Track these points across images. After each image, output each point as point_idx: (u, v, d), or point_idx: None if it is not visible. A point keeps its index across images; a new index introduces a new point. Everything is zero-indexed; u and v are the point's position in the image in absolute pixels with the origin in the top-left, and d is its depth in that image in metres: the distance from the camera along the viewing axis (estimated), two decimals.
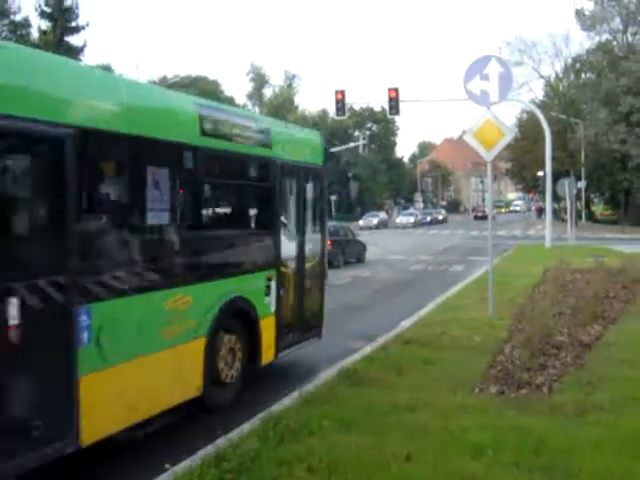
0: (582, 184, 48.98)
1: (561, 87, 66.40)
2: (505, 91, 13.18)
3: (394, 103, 34.58)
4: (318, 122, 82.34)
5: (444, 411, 6.93)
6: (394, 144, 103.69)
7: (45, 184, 5.58)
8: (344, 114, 37.09)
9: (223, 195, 8.75)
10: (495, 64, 13.19)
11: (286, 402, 7.57)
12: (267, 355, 8.78)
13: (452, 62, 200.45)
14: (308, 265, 9.93)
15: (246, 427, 6.79)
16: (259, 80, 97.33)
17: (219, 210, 8.59)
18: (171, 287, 6.87)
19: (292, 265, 9.41)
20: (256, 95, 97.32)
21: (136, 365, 6.31)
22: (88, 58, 49.60)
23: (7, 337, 4.92)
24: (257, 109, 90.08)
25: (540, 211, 73.57)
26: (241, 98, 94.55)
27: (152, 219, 6.70)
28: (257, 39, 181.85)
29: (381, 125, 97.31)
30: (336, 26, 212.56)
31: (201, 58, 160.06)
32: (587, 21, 58.30)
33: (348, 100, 36.22)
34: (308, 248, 9.88)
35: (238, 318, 8.22)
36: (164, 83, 63.72)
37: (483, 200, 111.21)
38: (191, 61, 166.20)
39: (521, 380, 8.02)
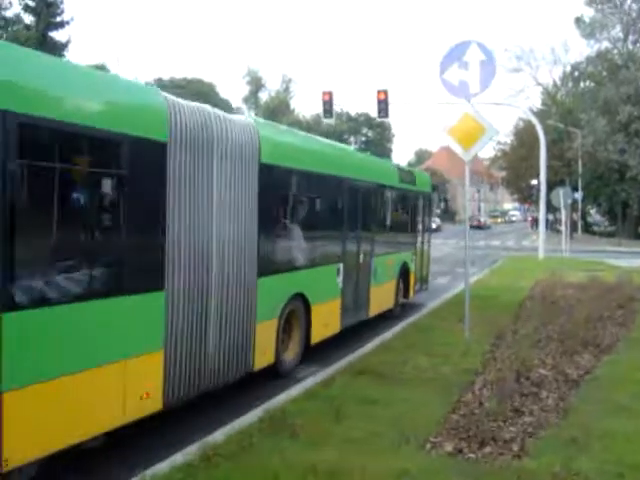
0: (578, 194, 47.44)
1: (559, 95, 64.59)
2: (487, 81, 11.49)
3: (383, 105, 33.15)
4: (312, 126, 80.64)
5: None
6: (390, 151, 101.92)
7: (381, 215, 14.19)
8: (332, 116, 35.45)
9: (403, 212, 15.63)
10: (476, 50, 11.52)
11: (179, 459, 5.84)
12: (412, 294, 15.75)
13: None
14: (425, 249, 17.08)
15: None
16: (255, 83, 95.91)
17: (400, 219, 15.28)
18: (390, 254, 14.03)
19: (419, 248, 16.50)
20: (252, 98, 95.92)
21: (382, 287, 13.44)
22: (72, 54, 47.98)
23: (355, 259, 12.05)
24: (253, 112, 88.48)
25: (535, 221, 71.61)
26: (237, 101, 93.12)
27: (387, 224, 14.18)
28: (254, 42, 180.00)
29: (376, 131, 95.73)
30: (335, 30, 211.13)
31: (197, 60, 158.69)
32: (587, 28, 56.63)
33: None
34: (425, 239, 17.08)
35: (403, 272, 15.04)
36: (159, 84, 62.03)
37: (479, 209, 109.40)
38: (187, 63, 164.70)
39: (486, 433, 6.25)
